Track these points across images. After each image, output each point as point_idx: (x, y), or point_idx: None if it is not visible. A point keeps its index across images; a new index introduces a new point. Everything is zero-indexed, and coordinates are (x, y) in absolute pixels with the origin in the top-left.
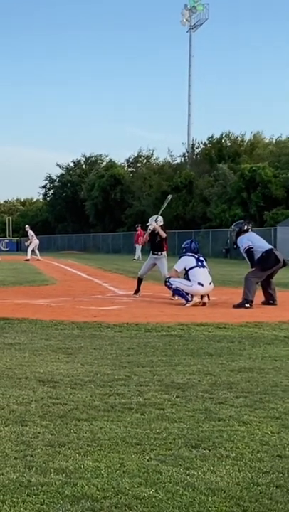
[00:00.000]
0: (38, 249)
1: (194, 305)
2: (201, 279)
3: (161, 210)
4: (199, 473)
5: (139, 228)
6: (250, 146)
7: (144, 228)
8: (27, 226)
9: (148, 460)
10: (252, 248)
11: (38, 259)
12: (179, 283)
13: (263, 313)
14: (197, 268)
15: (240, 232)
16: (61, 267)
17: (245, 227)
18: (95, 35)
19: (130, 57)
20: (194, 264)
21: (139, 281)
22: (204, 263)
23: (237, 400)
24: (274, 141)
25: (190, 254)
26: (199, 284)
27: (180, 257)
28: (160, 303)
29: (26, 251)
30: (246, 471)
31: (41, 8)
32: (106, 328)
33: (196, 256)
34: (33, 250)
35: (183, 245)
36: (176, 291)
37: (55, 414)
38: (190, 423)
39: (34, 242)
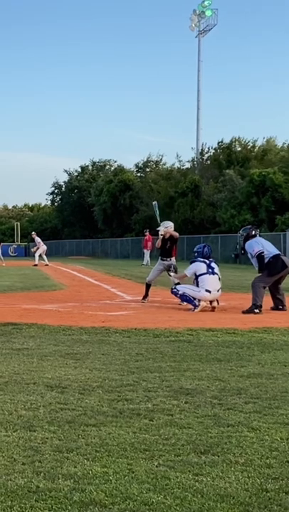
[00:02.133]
0: (47, 255)
1: (203, 310)
2: (210, 286)
3: (158, 217)
4: (208, 479)
5: (147, 233)
6: (262, 152)
7: (153, 234)
8: (33, 233)
9: (157, 466)
10: (263, 253)
11: (46, 265)
12: (185, 289)
13: (272, 318)
14: (207, 275)
15: (248, 237)
16: (69, 272)
17: (253, 232)
18: (104, 42)
19: (139, 62)
20: (205, 270)
21: (148, 286)
22: (215, 269)
23: (246, 406)
24: (286, 146)
25: (201, 259)
26: (207, 290)
27: (191, 262)
28: (169, 308)
29: (34, 256)
30: (255, 477)
31: (56, 15)
32: (114, 333)
33: (208, 262)
34: (40, 255)
35: (195, 249)
36: (184, 297)
37: (64, 419)
38: (199, 429)
39: (42, 247)
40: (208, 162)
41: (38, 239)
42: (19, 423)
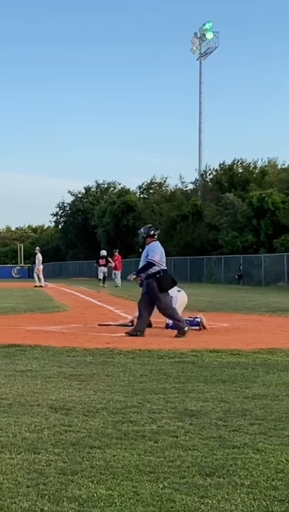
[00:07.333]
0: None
1: (204, 331)
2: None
3: None
4: (214, 501)
5: (116, 253)
6: (261, 174)
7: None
8: (37, 248)
9: (162, 488)
10: (155, 263)
11: (40, 286)
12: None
13: (277, 339)
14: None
15: (148, 236)
16: (73, 293)
17: (152, 232)
18: (106, 65)
19: (141, 85)
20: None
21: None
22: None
23: (251, 428)
24: (286, 165)
25: None
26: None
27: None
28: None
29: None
30: (261, 500)
31: (60, 41)
32: (118, 354)
33: None
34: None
35: None
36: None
37: (68, 441)
38: (204, 451)
39: (39, 267)
40: (210, 184)
41: (39, 256)
42: (23, 445)
